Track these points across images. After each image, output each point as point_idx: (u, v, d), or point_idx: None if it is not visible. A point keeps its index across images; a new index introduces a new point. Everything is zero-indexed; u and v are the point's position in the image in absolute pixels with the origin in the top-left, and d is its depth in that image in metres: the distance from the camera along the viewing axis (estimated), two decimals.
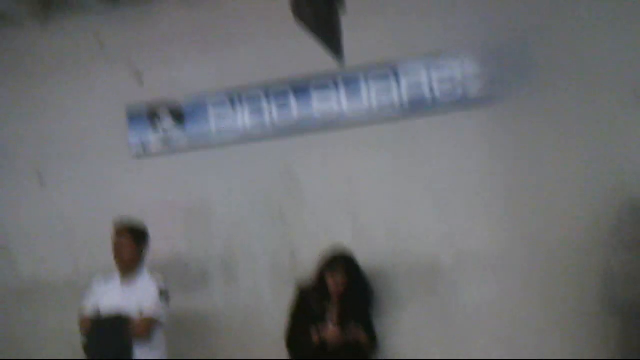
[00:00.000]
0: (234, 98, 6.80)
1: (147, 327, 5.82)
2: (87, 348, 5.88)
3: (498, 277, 5.99)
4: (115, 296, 5.99)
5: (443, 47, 6.25)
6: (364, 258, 6.05)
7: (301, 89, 6.60)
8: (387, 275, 6.21)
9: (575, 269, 5.78)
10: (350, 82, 6.47)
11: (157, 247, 6.46)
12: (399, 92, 6.34)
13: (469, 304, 6.05)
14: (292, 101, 6.63)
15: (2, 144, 7.73)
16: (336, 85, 6.50)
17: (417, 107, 6.30)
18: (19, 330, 7.40)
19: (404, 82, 6.33)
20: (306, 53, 6.23)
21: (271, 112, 6.68)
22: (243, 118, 6.77)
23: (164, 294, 5.95)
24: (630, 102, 5.86)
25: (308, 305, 5.92)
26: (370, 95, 6.41)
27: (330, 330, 5.71)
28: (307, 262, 6.19)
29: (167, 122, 7.00)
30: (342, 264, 5.91)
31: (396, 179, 6.36)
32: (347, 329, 5.74)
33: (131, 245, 6.08)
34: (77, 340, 6.05)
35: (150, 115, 7.08)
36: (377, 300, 6.09)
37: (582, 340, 5.72)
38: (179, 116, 6.99)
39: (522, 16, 6.12)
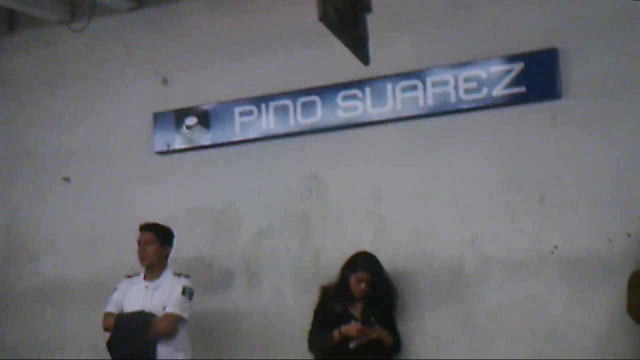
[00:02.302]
0: (260, 104, 6.85)
1: (171, 323, 5.86)
2: (110, 345, 5.93)
3: (522, 281, 5.95)
4: (140, 296, 6.05)
5: (470, 53, 6.26)
6: (388, 260, 6.05)
7: (328, 96, 6.64)
8: (410, 278, 6.19)
9: (604, 277, 5.72)
10: (377, 89, 6.49)
11: (181, 248, 6.53)
12: (424, 94, 6.35)
13: (492, 307, 6.01)
14: (319, 107, 6.67)
15: (29, 148, 7.84)
16: (363, 92, 6.53)
17: (442, 108, 6.31)
18: (44, 330, 7.49)
19: (429, 87, 6.35)
20: (334, 60, 6.33)
21: (296, 116, 6.73)
22: (268, 122, 6.82)
23: (187, 292, 5.99)
24: None
25: (331, 306, 5.92)
26: (396, 99, 6.43)
27: (354, 325, 5.71)
28: (331, 265, 6.19)
29: (193, 127, 7.06)
30: (365, 265, 5.91)
31: (420, 182, 6.35)
32: (371, 328, 5.75)
33: (156, 245, 6.13)
34: (100, 340, 6.14)
35: (176, 121, 7.15)
36: (400, 302, 6.09)
37: (608, 343, 5.70)
38: (204, 121, 7.05)
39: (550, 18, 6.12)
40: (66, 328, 7.37)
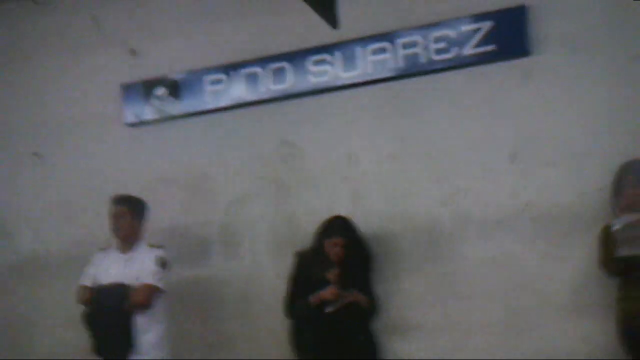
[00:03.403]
0: (229, 72, 6.80)
1: (147, 294, 5.84)
2: (86, 318, 5.90)
3: (497, 238, 5.97)
4: (115, 268, 6.02)
5: (439, 13, 6.22)
6: (364, 223, 6.04)
7: (298, 61, 6.59)
8: (387, 240, 6.19)
9: (578, 232, 5.74)
10: (347, 52, 6.45)
11: (156, 218, 6.47)
12: (394, 56, 6.32)
13: (469, 266, 6.03)
14: (289, 73, 6.61)
15: None
16: (332, 56, 6.49)
17: (413, 69, 6.28)
18: (20, 306, 7.45)
19: (400, 49, 6.31)
20: (302, 25, 6.29)
21: (267, 83, 6.68)
22: (239, 90, 6.77)
23: (161, 262, 5.96)
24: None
25: (307, 271, 5.91)
26: (366, 62, 6.40)
27: (329, 289, 5.71)
28: (307, 229, 6.16)
29: (163, 96, 7.00)
30: (340, 229, 5.89)
31: (394, 144, 6.33)
32: (347, 292, 5.75)
33: (129, 216, 6.10)
34: (77, 313, 6.09)
35: (145, 91, 7.09)
36: (377, 264, 6.08)
37: (583, 298, 5.72)
38: (174, 90, 6.99)
39: None
40: (41, 303, 7.32)
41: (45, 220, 7.42)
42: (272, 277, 6.51)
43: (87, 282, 6.04)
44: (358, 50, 6.42)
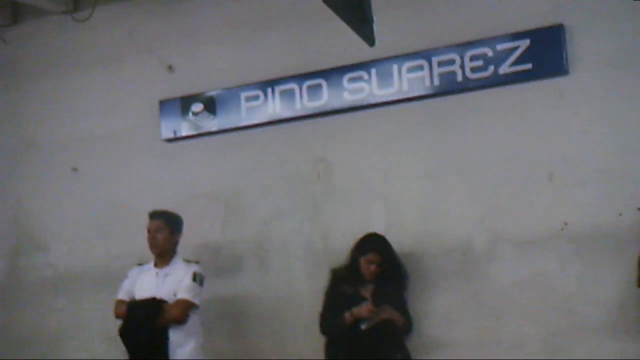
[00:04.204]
0: (265, 89, 6.84)
1: (182, 310, 5.87)
2: (122, 332, 5.93)
3: (532, 258, 5.94)
4: (150, 283, 6.06)
5: (475, 32, 6.22)
6: (397, 241, 6.04)
7: (334, 79, 6.62)
8: (420, 258, 6.18)
9: (616, 253, 5.70)
10: (383, 70, 6.46)
11: (190, 234, 6.49)
12: (430, 74, 6.33)
13: (503, 286, 6.00)
14: (325, 90, 6.64)
15: (34, 138, 7.86)
16: (368, 73, 6.50)
17: (448, 87, 6.28)
18: (55, 320, 7.53)
19: (435, 67, 6.32)
20: (339, 42, 6.30)
21: (302, 100, 6.71)
22: (274, 106, 6.80)
23: (198, 278, 6.00)
24: None
25: (342, 288, 5.92)
26: (402, 80, 6.41)
27: (365, 306, 5.71)
28: (340, 247, 6.19)
29: (199, 112, 7.05)
30: (374, 246, 5.91)
31: (428, 162, 6.33)
32: (382, 309, 5.75)
33: (166, 232, 6.14)
34: (112, 328, 6.13)
35: (182, 107, 7.14)
36: (410, 282, 6.08)
37: (621, 319, 5.67)
38: (211, 106, 7.04)
39: None
40: (78, 317, 7.39)
41: (81, 234, 7.50)
42: (306, 293, 6.53)
43: (123, 296, 6.08)
44: (394, 67, 6.43)
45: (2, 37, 8.04)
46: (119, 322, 6.02)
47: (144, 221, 6.24)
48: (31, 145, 7.84)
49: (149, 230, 6.17)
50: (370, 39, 5.19)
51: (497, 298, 6.05)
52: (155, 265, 6.15)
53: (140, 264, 6.26)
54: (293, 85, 6.74)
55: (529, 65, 6.06)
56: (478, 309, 6.09)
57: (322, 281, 6.11)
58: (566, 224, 5.88)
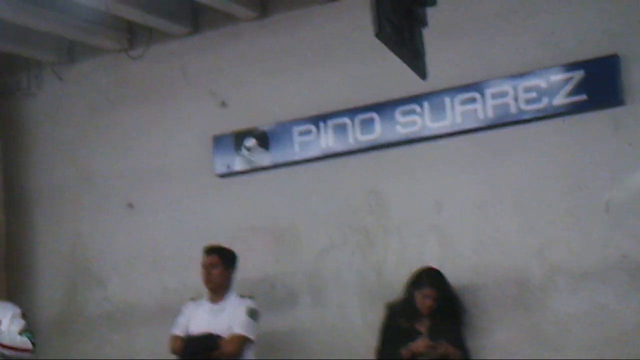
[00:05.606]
0: (318, 123, 6.87)
1: (237, 345, 5.89)
2: None
3: (590, 290, 5.87)
4: (205, 318, 6.08)
5: (529, 63, 6.20)
6: (452, 274, 6.02)
7: (386, 112, 6.63)
8: (476, 291, 6.14)
9: None
10: (435, 103, 6.46)
11: (244, 268, 6.51)
12: (483, 106, 6.31)
13: (561, 317, 5.94)
14: (377, 123, 6.65)
15: (91, 173, 7.95)
16: (421, 106, 6.50)
17: (502, 119, 6.26)
18: (112, 354, 7.56)
19: (489, 99, 6.30)
20: (391, 75, 6.31)
21: (355, 133, 6.73)
22: (327, 140, 6.83)
23: (253, 313, 6.01)
24: None
25: (397, 323, 5.90)
26: (455, 112, 6.40)
27: (421, 341, 5.69)
28: (394, 279, 6.18)
29: (252, 147, 7.10)
30: (430, 281, 5.89)
31: (482, 194, 6.30)
32: (438, 344, 5.71)
33: (220, 268, 6.17)
34: None
35: (235, 143, 7.20)
36: (467, 316, 6.05)
37: None
38: (263, 141, 7.08)
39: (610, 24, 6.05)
40: (134, 351, 7.42)
41: (137, 269, 7.55)
42: (360, 327, 6.50)
43: (179, 331, 6.11)
44: (447, 100, 6.42)
45: (58, 74, 8.18)
46: (175, 358, 6.05)
47: (198, 256, 6.28)
48: (88, 180, 7.94)
49: (203, 266, 6.20)
50: (422, 72, 5.20)
51: (554, 330, 5.98)
52: (210, 300, 6.17)
53: (194, 299, 6.29)
54: (345, 119, 6.76)
55: (583, 96, 6.02)
56: (536, 342, 6.02)
57: (376, 314, 6.10)
58: (625, 256, 5.80)
